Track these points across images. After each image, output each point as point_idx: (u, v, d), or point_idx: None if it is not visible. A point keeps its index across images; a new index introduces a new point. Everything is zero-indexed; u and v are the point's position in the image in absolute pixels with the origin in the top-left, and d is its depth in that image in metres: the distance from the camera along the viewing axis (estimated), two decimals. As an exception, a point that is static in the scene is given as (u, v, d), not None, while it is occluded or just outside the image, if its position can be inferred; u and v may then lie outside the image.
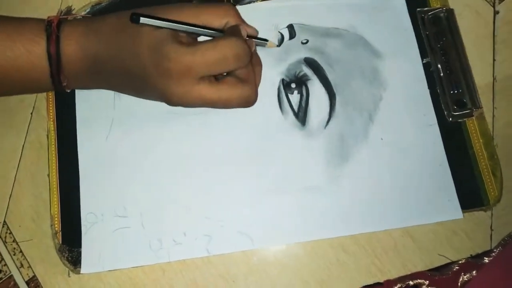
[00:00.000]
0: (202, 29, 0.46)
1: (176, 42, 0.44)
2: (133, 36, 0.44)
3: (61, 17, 0.47)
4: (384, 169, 0.50)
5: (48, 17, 0.47)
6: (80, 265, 0.49)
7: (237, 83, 0.46)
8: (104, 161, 0.51)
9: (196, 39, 0.48)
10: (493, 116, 0.52)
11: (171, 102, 0.46)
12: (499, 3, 0.54)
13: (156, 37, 0.44)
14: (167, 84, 0.44)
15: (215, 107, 0.46)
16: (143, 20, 0.43)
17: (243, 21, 0.48)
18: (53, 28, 0.46)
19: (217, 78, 0.46)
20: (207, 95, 0.45)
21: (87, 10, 0.54)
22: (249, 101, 0.47)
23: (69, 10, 0.55)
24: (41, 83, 0.47)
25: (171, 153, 0.51)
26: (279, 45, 0.53)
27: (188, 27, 0.45)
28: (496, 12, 0.54)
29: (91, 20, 0.47)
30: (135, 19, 0.43)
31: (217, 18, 0.46)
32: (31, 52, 0.45)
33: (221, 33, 0.46)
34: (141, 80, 0.45)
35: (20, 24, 0.46)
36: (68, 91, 0.50)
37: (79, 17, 0.50)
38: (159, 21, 0.44)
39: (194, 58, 0.43)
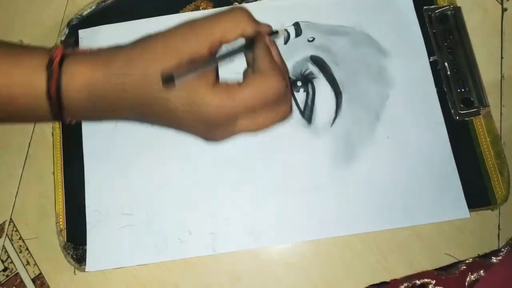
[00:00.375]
0: (231, 53, 0.43)
1: (209, 88, 0.41)
2: (156, 88, 0.41)
3: (64, 51, 0.43)
4: (390, 168, 0.50)
5: (54, 46, 0.44)
6: (85, 262, 0.49)
7: (273, 106, 0.43)
8: (109, 159, 0.51)
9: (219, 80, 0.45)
10: (501, 114, 0.51)
11: (209, 141, 0.44)
12: (507, 0, 0.54)
13: (185, 87, 0.40)
14: (208, 130, 0.43)
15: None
16: (178, 81, 0.39)
17: (257, 23, 0.45)
18: (54, 68, 0.41)
19: None
20: (248, 128, 0.43)
21: (93, 8, 0.55)
22: (286, 117, 0.45)
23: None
24: (42, 118, 0.44)
25: (177, 151, 0.51)
26: (285, 43, 0.53)
27: (219, 60, 0.42)
28: (504, 10, 0.54)
29: (96, 61, 0.42)
30: (170, 82, 0.39)
31: (232, 30, 0.43)
32: (30, 94, 0.41)
33: (248, 47, 0.44)
34: (174, 124, 0.43)
35: (20, 58, 0.42)
36: (74, 123, 0.47)
37: (85, 49, 0.45)
38: (193, 72, 0.40)
39: (235, 105, 0.41)
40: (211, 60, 0.41)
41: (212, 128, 0.43)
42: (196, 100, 0.41)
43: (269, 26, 0.46)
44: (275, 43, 0.47)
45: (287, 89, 0.43)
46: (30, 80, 0.41)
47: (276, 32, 0.49)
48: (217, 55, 0.43)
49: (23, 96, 0.41)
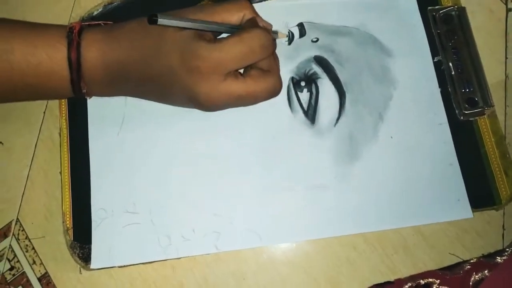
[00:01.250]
0: (221, 25, 0.47)
1: (202, 40, 0.44)
2: (157, 39, 0.45)
3: (82, 23, 0.47)
4: (393, 168, 0.50)
5: (70, 23, 0.47)
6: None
7: (261, 75, 0.46)
8: (115, 158, 0.51)
9: (217, 38, 0.49)
10: (505, 114, 0.52)
11: (199, 100, 0.46)
12: (512, 1, 0.54)
13: (181, 37, 0.44)
14: (195, 82, 0.45)
15: (243, 104, 0.47)
16: (160, 21, 0.43)
17: (257, 14, 0.49)
18: (74, 35, 0.46)
19: (241, 74, 0.47)
20: (235, 90, 0.45)
21: (100, 10, 0.55)
22: (275, 91, 0.48)
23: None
24: (61, 90, 0.48)
25: (181, 150, 0.51)
26: (289, 43, 0.53)
27: (207, 25, 0.45)
28: (508, 10, 0.54)
29: (112, 27, 0.48)
30: (154, 20, 0.43)
31: (234, 14, 0.47)
32: (52, 58, 0.45)
33: (240, 27, 0.47)
34: (167, 82, 0.46)
35: (42, 30, 0.47)
36: (89, 98, 0.51)
37: (101, 24, 0.50)
38: (178, 21, 0.44)
39: (222, 54, 0.44)
40: (199, 20, 0.45)
41: (200, 81, 0.45)
42: (187, 48, 0.44)
43: (269, 23, 0.50)
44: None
45: (271, 42, 0.46)
46: (53, 48, 0.46)
47: (276, 32, 0.50)
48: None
49: (45, 64, 0.46)
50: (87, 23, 0.49)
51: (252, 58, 0.45)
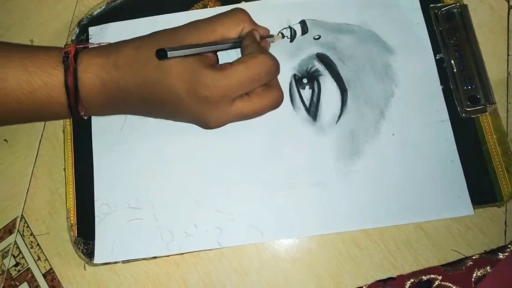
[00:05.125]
0: (223, 44, 0.47)
1: (208, 68, 0.44)
2: (160, 68, 0.44)
3: (77, 46, 0.47)
4: (395, 165, 0.50)
5: (65, 45, 0.47)
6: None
7: (265, 90, 0.47)
8: (118, 154, 0.52)
9: (219, 63, 0.49)
10: (507, 111, 0.51)
11: (207, 125, 0.47)
12: (514, -3, 0.54)
13: (186, 67, 0.44)
14: (205, 110, 0.45)
15: (249, 119, 0.48)
16: (170, 53, 0.43)
17: (255, 23, 0.49)
18: (70, 61, 0.45)
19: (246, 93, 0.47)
20: (242, 111, 0.46)
21: (103, 7, 0.56)
22: (279, 103, 0.48)
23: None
24: (58, 113, 0.47)
25: (184, 146, 0.52)
26: (291, 41, 0.54)
27: (211, 47, 0.46)
28: (510, 7, 0.54)
29: (108, 51, 0.46)
30: (162, 55, 0.42)
31: (234, 28, 0.47)
32: (48, 85, 0.45)
33: (241, 40, 0.47)
34: (173, 107, 0.46)
35: (36, 54, 0.46)
36: (86, 118, 0.50)
37: (95, 45, 0.49)
38: (186, 51, 0.44)
39: (230, 83, 0.44)
40: (203, 44, 0.45)
41: (209, 109, 0.45)
42: (194, 78, 0.44)
43: (267, 29, 0.51)
44: (269, 44, 0.51)
45: (277, 67, 0.47)
46: (48, 75, 0.45)
47: (272, 36, 0.50)
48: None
49: (41, 90, 0.45)
50: (82, 46, 0.48)
51: (258, 83, 0.46)
